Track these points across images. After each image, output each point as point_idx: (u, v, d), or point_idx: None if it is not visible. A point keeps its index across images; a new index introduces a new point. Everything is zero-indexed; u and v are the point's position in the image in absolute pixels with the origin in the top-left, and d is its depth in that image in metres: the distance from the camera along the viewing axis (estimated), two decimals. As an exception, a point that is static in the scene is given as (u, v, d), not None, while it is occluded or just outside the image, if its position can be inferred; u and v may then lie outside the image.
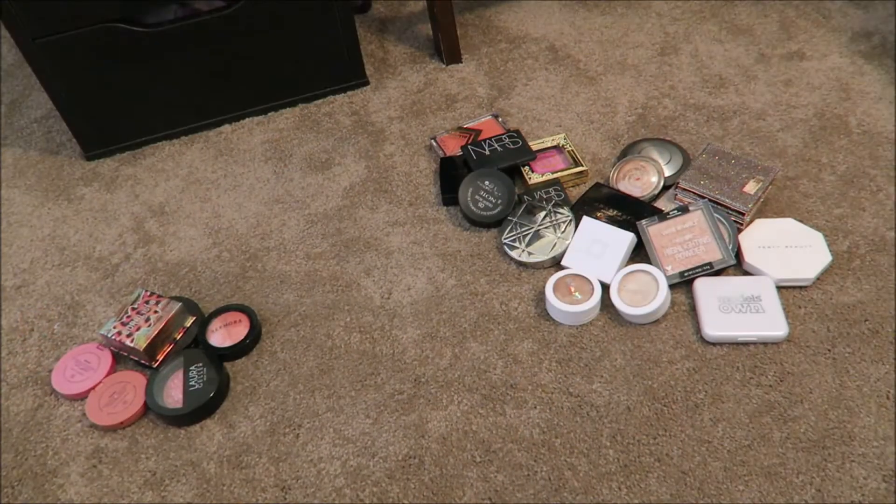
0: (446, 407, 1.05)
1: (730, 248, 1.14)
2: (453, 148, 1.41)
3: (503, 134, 1.38)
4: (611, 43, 1.62)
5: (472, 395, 1.06)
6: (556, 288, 1.13)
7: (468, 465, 0.99)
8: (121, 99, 1.44)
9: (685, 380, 1.04)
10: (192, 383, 1.08)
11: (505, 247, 1.22)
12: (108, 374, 1.13)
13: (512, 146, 1.35)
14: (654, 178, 1.27)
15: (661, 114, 1.44)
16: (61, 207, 1.43)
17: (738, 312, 1.07)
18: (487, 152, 1.35)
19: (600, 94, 1.50)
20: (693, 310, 1.11)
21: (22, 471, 1.05)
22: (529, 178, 1.32)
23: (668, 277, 1.13)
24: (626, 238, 1.17)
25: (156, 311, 1.14)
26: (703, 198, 1.20)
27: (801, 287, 1.12)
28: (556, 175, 1.32)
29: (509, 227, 1.24)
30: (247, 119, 1.55)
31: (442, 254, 1.25)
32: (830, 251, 1.15)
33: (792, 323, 1.08)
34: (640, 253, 1.20)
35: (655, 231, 1.17)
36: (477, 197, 1.27)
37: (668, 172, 1.29)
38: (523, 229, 1.23)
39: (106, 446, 1.06)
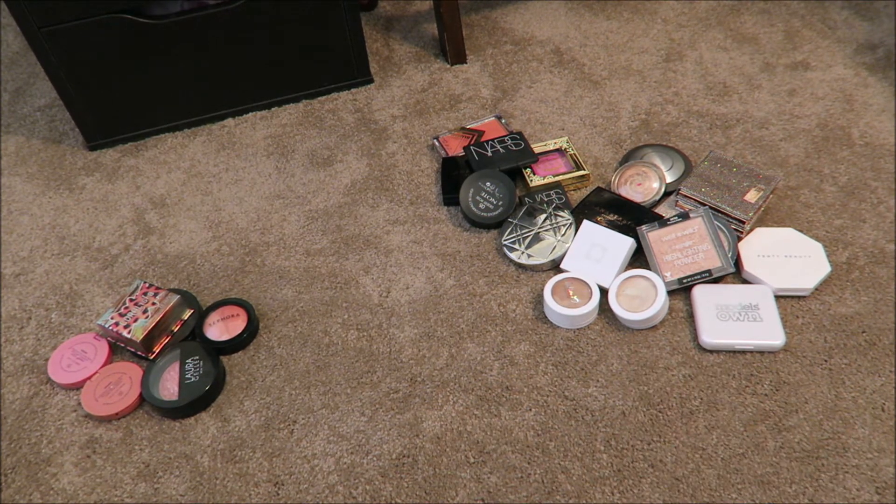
0: (441, 407, 1.05)
1: (729, 255, 1.14)
2: (456, 148, 1.41)
3: (506, 135, 1.38)
4: (616, 48, 1.62)
5: (468, 396, 1.06)
6: (554, 291, 1.13)
7: (462, 465, 0.99)
8: (125, 90, 1.44)
9: (681, 386, 1.04)
10: (188, 376, 1.08)
11: (504, 248, 1.22)
12: (105, 364, 1.13)
13: (514, 148, 1.36)
14: (656, 184, 1.27)
15: (664, 120, 1.44)
16: (62, 197, 1.43)
17: (736, 320, 1.07)
18: (489, 153, 1.35)
19: (604, 99, 1.50)
20: (691, 316, 1.12)
21: (16, 459, 1.05)
22: (531, 181, 1.32)
23: (666, 283, 1.13)
24: (625, 243, 1.17)
25: (154, 303, 1.14)
26: (703, 205, 1.20)
27: (799, 297, 1.12)
28: (557, 178, 1.32)
29: (509, 229, 1.24)
30: (250, 113, 1.55)
31: (441, 254, 1.25)
32: (830, 262, 1.15)
33: (789, 332, 1.08)
34: (639, 258, 1.21)
35: (655, 237, 1.18)
36: (478, 198, 1.27)
37: (669, 179, 1.29)
38: (523, 231, 1.23)
39: (100, 437, 1.06)
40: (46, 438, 1.07)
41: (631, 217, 1.23)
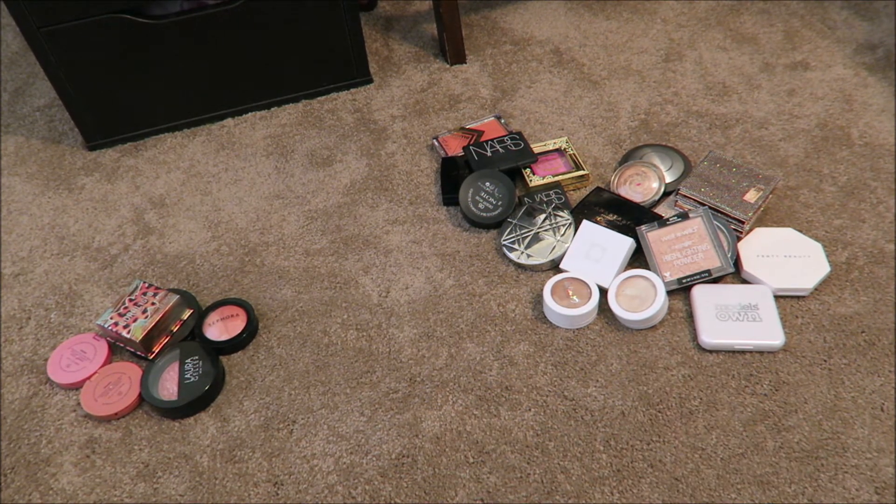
0: (441, 407, 1.05)
1: (728, 255, 1.14)
2: (455, 148, 1.41)
3: (505, 135, 1.38)
4: (615, 48, 1.62)
5: (467, 396, 1.06)
6: (553, 291, 1.13)
7: (461, 465, 0.99)
8: (124, 90, 1.44)
9: (680, 386, 1.04)
10: (188, 376, 1.08)
11: (504, 248, 1.22)
12: (104, 364, 1.13)
13: (514, 148, 1.36)
14: (655, 184, 1.27)
15: (663, 120, 1.44)
16: (62, 197, 1.43)
17: (735, 320, 1.07)
18: (489, 153, 1.35)
19: (603, 99, 1.50)
20: (690, 316, 1.12)
21: (15, 459, 1.05)
22: (530, 181, 1.32)
23: (666, 283, 1.13)
24: (625, 243, 1.17)
25: (153, 303, 1.14)
26: (703, 205, 1.20)
27: (798, 297, 1.12)
28: (557, 178, 1.32)
29: (509, 229, 1.24)
30: (249, 114, 1.55)
31: (441, 254, 1.25)
32: (829, 262, 1.15)
33: (788, 332, 1.08)
34: (638, 258, 1.21)
35: (655, 237, 1.18)
36: (477, 198, 1.27)
37: (669, 179, 1.29)
38: (523, 231, 1.23)
39: (100, 437, 1.06)
40: (46, 438, 1.07)
41: (630, 217, 1.23)
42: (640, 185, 1.28)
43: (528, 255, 1.20)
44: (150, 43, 1.39)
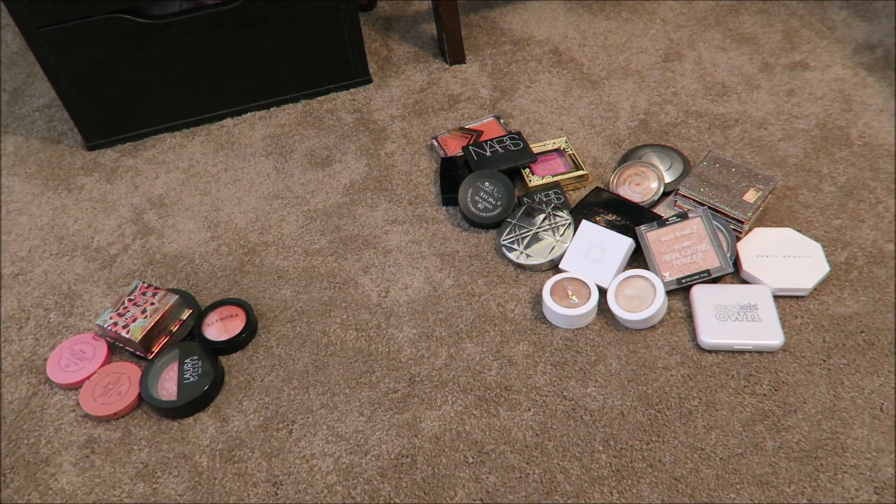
0: (440, 407, 1.05)
1: (728, 255, 1.14)
2: (454, 148, 1.41)
3: (504, 135, 1.38)
4: (615, 48, 1.62)
5: (467, 396, 1.06)
6: (553, 291, 1.13)
7: (460, 465, 0.99)
8: (123, 90, 1.44)
9: (679, 386, 1.04)
10: (187, 376, 1.08)
11: (503, 248, 1.22)
12: (104, 364, 1.13)
13: (513, 148, 1.36)
14: (655, 184, 1.27)
15: (662, 120, 1.44)
16: (61, 197, 1.43)
17: (735, 320, 1.07)
18: (488, 153, 1.35)
19: (603, 99, 1.50)
20: (689, 316, 1.12)
21: (14, 459, 1.05)
22: (529, 181, 1.32)
23: (665, 283, 1.13)
24: (624, 243, 1.17)
25: (152, 303, 1.14)
26: (702, 205, 1.20)
27: (798, 297, 1.12)
28: (556, 178, 1.32)
29: (508, 229, 1.24)
30: (249, 114, 1.55)
31: (440, 254, 1.25)
32: (828, 262, 1.15)
33: (788, 332, 1.08)
34: (638, 258, 1.21)
35: (654, 237, 1.18)
36: (477, 198, 1.27)
37: (668, 179, 1.29)
38: (522, 231, 1.23)
39: (99, 437, 1.06)
40: (45, 438, 1.07)
41: (630, 217, 1.23)
42: (640, 185, 1.28)
43: (528, 255, 1.20)
44: (150, 43, 1.39)
